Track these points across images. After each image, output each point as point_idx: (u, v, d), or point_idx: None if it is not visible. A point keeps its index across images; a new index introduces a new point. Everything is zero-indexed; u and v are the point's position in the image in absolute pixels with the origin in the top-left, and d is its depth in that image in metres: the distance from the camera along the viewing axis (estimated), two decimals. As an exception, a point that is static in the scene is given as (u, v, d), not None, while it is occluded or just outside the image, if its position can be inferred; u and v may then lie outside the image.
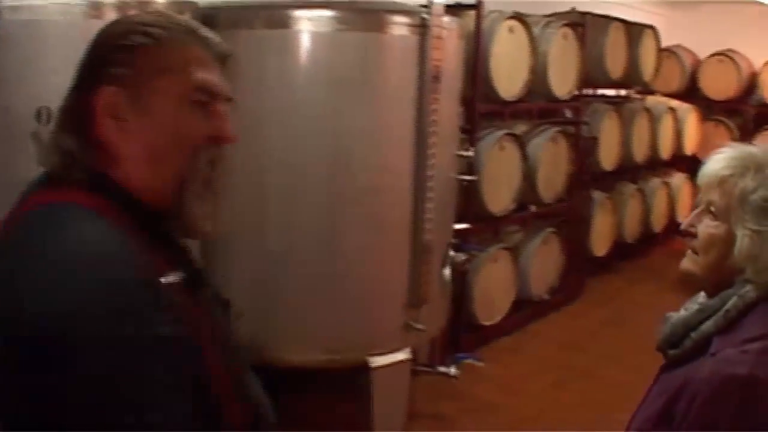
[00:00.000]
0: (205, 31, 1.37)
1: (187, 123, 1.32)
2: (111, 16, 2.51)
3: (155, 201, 1.34)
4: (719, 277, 1.62)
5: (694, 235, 1.67)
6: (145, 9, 2.64)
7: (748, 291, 1.55)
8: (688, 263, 1.71)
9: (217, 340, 1.36)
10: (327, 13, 3.12)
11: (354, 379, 3.45)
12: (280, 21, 3.12)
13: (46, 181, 1.32)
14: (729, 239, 1.58)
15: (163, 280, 1.24)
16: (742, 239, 1.55)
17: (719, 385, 1.46)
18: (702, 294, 1.74)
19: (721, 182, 1.61)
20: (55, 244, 1.21)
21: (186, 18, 1.42)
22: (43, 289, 1.16)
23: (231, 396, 1.33)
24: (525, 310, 5.62)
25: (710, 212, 1.63)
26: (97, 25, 2.26)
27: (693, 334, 1.61)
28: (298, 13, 3.11)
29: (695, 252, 1.67)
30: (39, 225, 1.25)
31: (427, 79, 3.25)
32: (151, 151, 1.32)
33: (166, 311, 1.20)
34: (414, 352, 3.61)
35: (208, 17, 3.10)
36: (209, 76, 1.34)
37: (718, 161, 1.66)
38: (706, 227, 1.63)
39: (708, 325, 1.59)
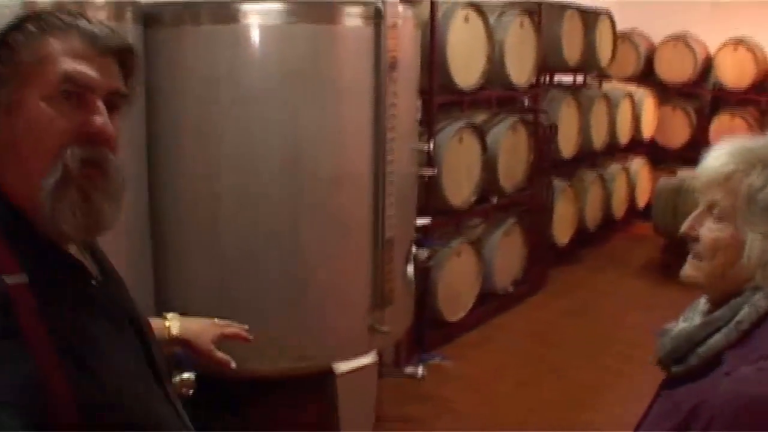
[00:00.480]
0: (94, 25, 1.29)
1: (48, 117, 1.24)
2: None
3: (29, 205, 1.25)
4: (726, 285, 1.46)
5: (695, 239, 1.50)
6: (84, 11, 2.47)
7: (760, 299, 1.39)
8: (691, 270, 1.53)
9: (89, 359, 1.22)
10: (276, 5, 2.98)
11: (319, 383, 3.32)
12: (227, 16, 2.98)
13: None
14: (736, 243, 1.42)
15: (7, 279, 1.16)
16: (752, 243, 1.40)
17: (738, 408, 1.30)
18: (702, 301, 1.58)
19: (725, 180, 1.44)
20: None
21: (77, 11, 1.33)
22: None
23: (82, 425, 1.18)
24: (490, 303, 5.55)
25: (713, 214, 1.47)
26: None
27: (700, 350, 1.44)
28: (246, 7, 2.97)
29: (698, 258, 1.51)
30: None
31: (383, 71, 3.14)
32: (16, 151, 1.24)
33: None
34: (379, 354, 3.49)
35: (152, 16, 2.98)
36: (81, 67, 1.25)
37: (719, 158, 1.48)
38: (710, 230, 1.47)
39: (717, 339, 1.42)
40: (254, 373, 3.16)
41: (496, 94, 5.53)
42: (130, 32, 2.71)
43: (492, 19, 5.19)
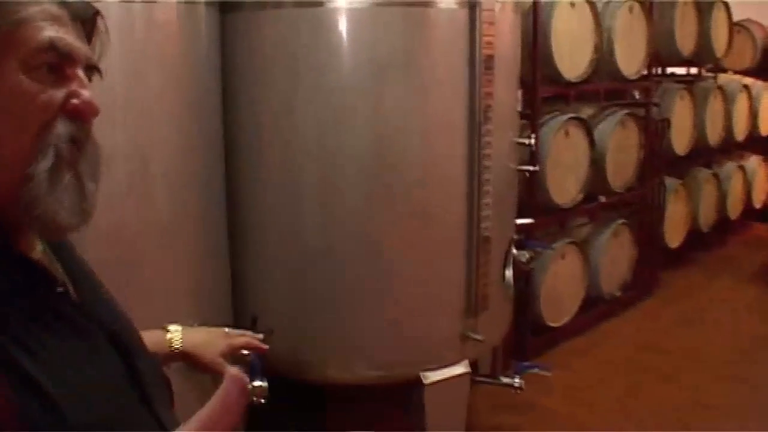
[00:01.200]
0: None
1: (35, 89, 1.07)
2: None
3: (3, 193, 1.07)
4: None
5: None
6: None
7: None
8: None
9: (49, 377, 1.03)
10: (364, -13, 2.79)
11: (406, 393, 3.11)
12: (312, -2, 2.81)
13: None
14: None
15: None
16: None
17: None
18: None
19: None
20: None
21: None
22: None
23: None
24: (595, 308, 5.25)
25: None
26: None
27: None
28: (331, -12, 2.78)
29: None
30: None
31: (479, 59, 2.90)
32: None
33: None
34: (474, 362, 3.26)
35: (230, 1, 2.82)
36: (61, 34, 1.09)
37: None
38: None
39: None
40: (336, 380, 3.03)
41: (604, 86, 5.21)
42: (204, 16, 2.56)
43: (599, 4, 4.88)
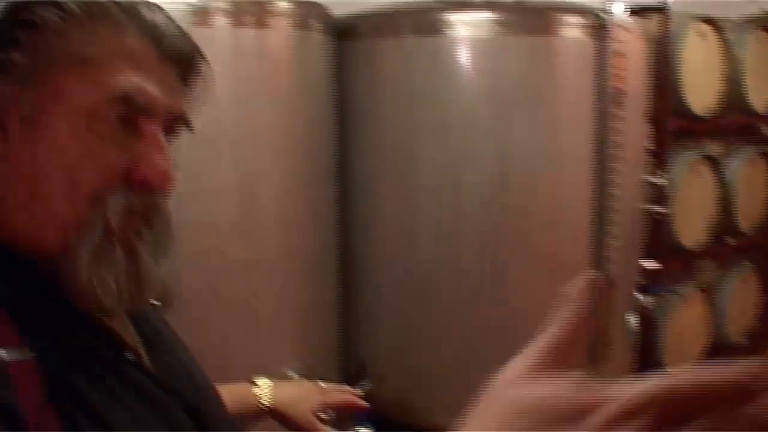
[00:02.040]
0: (157, 16, 0.95)
1: (89, 149, 0.90)
2: (221, 23, 2.13)
3: (39, 252, 0.92)
4: None
5: None
6: (263, 13, 2.24)
7: None
8: None
9: None
10: (486, 15, 2.66)
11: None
12: (431, 26, 2.69)
13: None
14: None
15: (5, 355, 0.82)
16: None
17: None
18: None
19: None
20: None
21: None
22: None
23: None
24: (719, 356, 4.94)
25: None
26: (204, 35, 1.86)
27: None
28: (453, 17, 2.66)
29: None
30: None
31: (607, 92, 2.72)
32: (31, 184, 0.91)
33: None
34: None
35: (346, 26, 2.74)
36: (141, 80, 0.91)
37: None
38: None
39: None
40: (446, 427, 2.86)
41: (732, 120, 4.93)
42: (318, 44, 2.47)
43: (729, 35, 4.64)
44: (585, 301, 1.14)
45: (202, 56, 1.02)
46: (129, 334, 1.07)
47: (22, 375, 0.85)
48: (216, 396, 1.21)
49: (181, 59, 0.99)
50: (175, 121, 1.00)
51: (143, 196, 0.95)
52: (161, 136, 0.96)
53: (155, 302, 1.97)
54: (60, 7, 0.91)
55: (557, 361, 0.88)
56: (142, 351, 1.07)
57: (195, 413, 1.09)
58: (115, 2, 0.94)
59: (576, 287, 1.19)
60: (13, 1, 0.93)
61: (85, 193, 0.92)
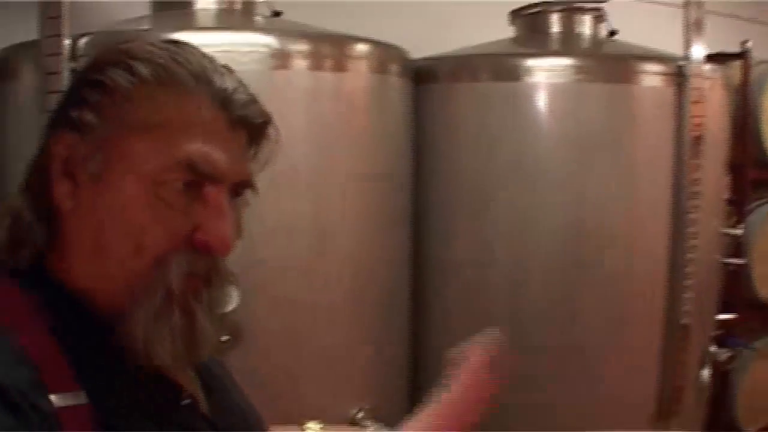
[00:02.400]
0: (228, 82, 0.97)
1: (155, 213, 0.92)
2: (300, 66, 2.16)
3: (100, 303, 0.95)
4: None
5: None
6: (342, 57, 2.26)
7: None
8: None
9: None
10: (565, 61, 2.66)
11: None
12: (509, 72, 2.69)
13: None
14: None
15: (52, 397, 0.84)
16: None
17: None
18: None
19: None
20: None
21: (210, 58, 1.00)
22: None
23: None
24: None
25: None
26: (284, 78, 1.88)
27: None
28: (531, 63, 2.66)
29: None
30: None
31: (686, 140, 2.69)
32: (96, 239, 0.94)
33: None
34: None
35: (424, 70, 2.74)
36: (209, 148, 0.93)
37: None
38: None
39: None
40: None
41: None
42: (396, 87, 2.48)
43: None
44: (480, 364, 1.14)
45: (271, 122, 1.04)
46: (187, 377, 1.07)
47: (74, 421, 0.86)
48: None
49: (251, 125, 1.00)
50: (241, 186, 1.01)
51: (204, 258, 0.96)
52: (225, 202, 0.97)
53: (224, 338, 2.00)
54: (131, 71, 0.95)
55: (452, 422, 0.89)
56: (199, 394, 1.08)
57: None
58: (187, 69, 0.96)
59: (471, 349, 1.18)
60: (87, 62, 0.99)
61: (149, 254, 0.94)
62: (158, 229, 0.93)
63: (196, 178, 0.94)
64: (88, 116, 0.95)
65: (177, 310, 0.94)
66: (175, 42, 1.02)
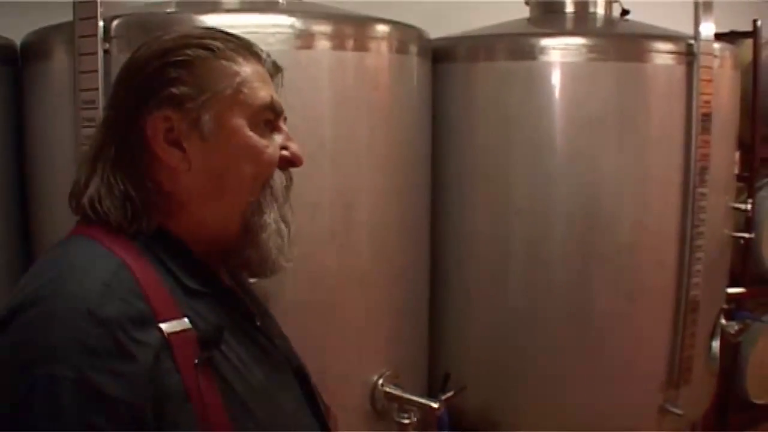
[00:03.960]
0: (258, 47, 1.27)
1: (262, 145, 1.21)
2: (323, 46, 2.23)
3: (212, 242, 1.22)
4: None
5: None
6: (363, 37, 2.34)
7: None
8: None
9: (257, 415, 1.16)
10: (578, 40, 2.72)
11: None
12: (525, 51, 2.75)
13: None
14: None
15: (164, 326, 1.07)
16: None
17: None
18: None
19: None
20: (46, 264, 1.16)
21: (237, 35, 1.29)
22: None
23: None
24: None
25: None
26: (307, 58, 1.98)
27: None
28: (546, 42, 2.72)
29: None
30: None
31: (696, 117, 2.76)
32: (220, 183, 1.19)
33: (131, 364, 1.02)
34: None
35: (443, 50, 2.81)
36: (272, 92, 1.23)
37: None
38: None
39: None
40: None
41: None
42: (415, 66, 2.54)
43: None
44: None
45: (282, 71, 1.32)
46: (253, 305, 1.34)
47: (182, 344, 1.08)
48: (304, 362, 1.44)
49: (273, 74, 1.29)
50: (285, 120, 1.29)
51: (287, 173, 1.26)
52: (286, 129, 1.27)
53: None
54: (207, 47, 1.19)
55: None
56: (260, 318, 1.33)
57: (301, 375, 1.36)
58: (235, 39, 1.24)
59: None
60: (164, 46, 1.20)
61: (261, 179, 1.21)
62: (265, 158, 1.20)
63: (272, 116, 1.23)
64: (183, 89, 1.16)
65: (281, 218, 1.23)
66: (205, 27, 1.39)
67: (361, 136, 2.34)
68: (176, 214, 1.20)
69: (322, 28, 2.26)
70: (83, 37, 2.11)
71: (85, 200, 1.19)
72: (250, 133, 1.19)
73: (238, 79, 1.19)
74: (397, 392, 2.38)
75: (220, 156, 1.18)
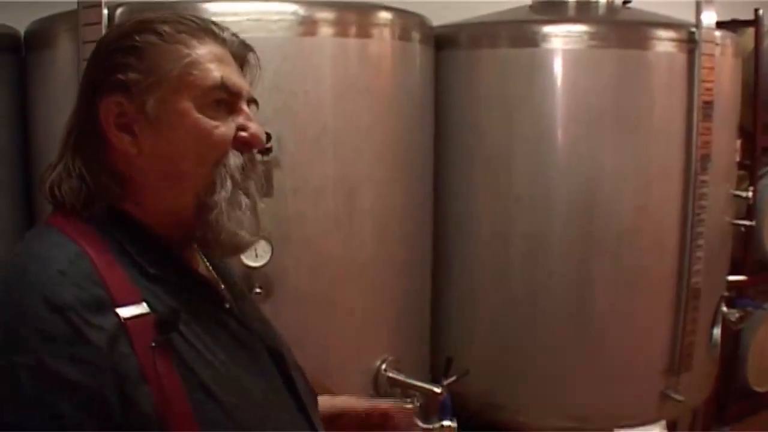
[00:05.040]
0: (221, 28, 1.26)
1: (211, 126, 1.19)
2: (326, 32, 2.24)
3: (174, 226, 1.23)
4: None
5: None
6: (366, 24, 2.34)
7: None
8: None
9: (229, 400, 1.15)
10: (580, 27, 2.72)
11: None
12: (527, 38, 2.76)
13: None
14: None
15: (121, 311, 1.08)
16: None
17: None
18: None
19: None
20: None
21: (197, 16, 1.28)
22: None
23: None
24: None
25: None
26: (311, 44, 1.99)
27: None
28: (548, 29, 2.73)
29: None
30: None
31: (697, 104, 2.76)
32: (171, 166, 1.19)
33: (87, 348, 1.03)
34: (671, 424, 3.07)
35: (446, 37, 2.83)
36: (228, 72, 1.21)
37: None
38: None
39: None
40: (526, 426, 2.93)
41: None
42: (418, 53, 2.55)
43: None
44: None
45: (253, 52, 1.30)
46: (220, 286, 1.33)
47: (140, 329, 1.08)
48: (283, 340, 1.44)
49: (241, 56, 1.27)
50: (251, 102, 1.26)
51: (247, 155, 1.23)
52: (249, 111, 1.24)
53: (258, 290, 2.11)
54: (156, 32, 1.19)
55: None
56: (232, 301, 1.32)
57: (275, 354, 1.34)
58: (193, 22, 1.22)
59: None
60: (118, 32, 1.22)
61: (211, 159, 1.19)
62: (213, 139, 1.19)
63: (227, 96, 1.20)
64: (132, 75, 1.16)
65: (241, 195, 1.21)
66: (167, 10, 1.31)
67: (364, 122, 2.35)
68: (135, 197, 1.21)
69: (325, 15, 2.27)
70: (87, 25, 2.12)
71: (46, 185, 1.21)
72: (198, 115, 1.18)
73: (186, 61, 1.18)
74: (400, 378, 2.40)
75: (168, 139, 1.17)
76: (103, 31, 2.09)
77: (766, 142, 4.24)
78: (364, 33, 2.35)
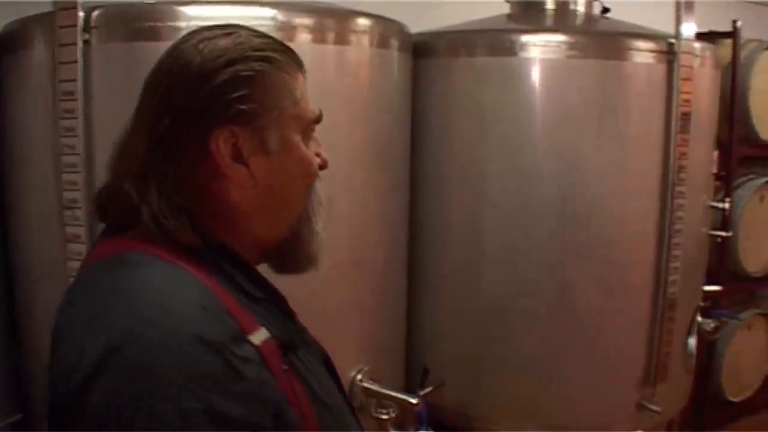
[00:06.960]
0: (299, 56, 1.27)
1: (312, 156, 1.24)
2: (304, 38, 2.22)
3: (255, 248, 1.25)
4: None
5: None
6: (344, 31, 2.32)
7: None
8: None
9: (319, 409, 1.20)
10: (559, 37, 2.71)
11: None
12: (505, 47, 2.74)
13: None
14: None
15: (252, 338, 1.08)
16: None
17: None
18: None
19: None
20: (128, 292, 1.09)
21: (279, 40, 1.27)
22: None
23: None
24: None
25: None
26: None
27: None
28: (526, 39, 2.72)
29: None
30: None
31: (675, 116, 2.76)
32: (279, 196, 1.22)
33: (242, 383, 1.02)
34: (647, 434, 3.08)
35: (423, 45, 2.81)
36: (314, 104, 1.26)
37: None
38: None
39: None
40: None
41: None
42: (395, 60, 2.53)
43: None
44: None
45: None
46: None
47: (269, 352, 1.10)
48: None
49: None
50: None
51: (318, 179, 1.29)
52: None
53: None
54: (269, 60, 1.18)
55: None
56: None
57: (327, 362, 1.40)
58: (285, 47, 1.24)
59: None
60: (228, 56, 1.15)
61: (309, 189, 1.26)
62: (313, 168, 1.26)
63: (314, 126, 1.27)
64: (252, 106, 1.15)
65: (318, 221, 1.29)
66: (258, 32, 1.26)
67: (341, 129, 2.32)
68: (227, 223, 1.20)
69: (304, 20, 2.25)
70: (63, 27, 2.08)
71: (146, 217, 1.13)
72: (305, 147, 1.23)
73: (297, 94, 1.21)
74: (375, 388, 2.38)
75: (281, 171, 1.20)
76: (79, 34, 2.06)
77: (742, 154, 4.27)
78: (342, 40, 2.33)
